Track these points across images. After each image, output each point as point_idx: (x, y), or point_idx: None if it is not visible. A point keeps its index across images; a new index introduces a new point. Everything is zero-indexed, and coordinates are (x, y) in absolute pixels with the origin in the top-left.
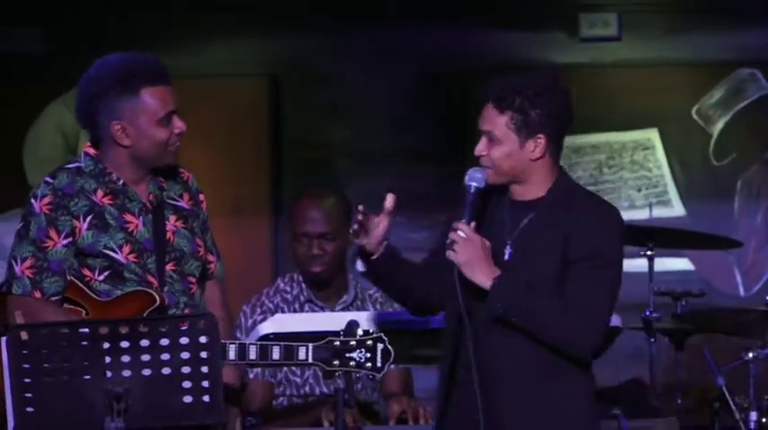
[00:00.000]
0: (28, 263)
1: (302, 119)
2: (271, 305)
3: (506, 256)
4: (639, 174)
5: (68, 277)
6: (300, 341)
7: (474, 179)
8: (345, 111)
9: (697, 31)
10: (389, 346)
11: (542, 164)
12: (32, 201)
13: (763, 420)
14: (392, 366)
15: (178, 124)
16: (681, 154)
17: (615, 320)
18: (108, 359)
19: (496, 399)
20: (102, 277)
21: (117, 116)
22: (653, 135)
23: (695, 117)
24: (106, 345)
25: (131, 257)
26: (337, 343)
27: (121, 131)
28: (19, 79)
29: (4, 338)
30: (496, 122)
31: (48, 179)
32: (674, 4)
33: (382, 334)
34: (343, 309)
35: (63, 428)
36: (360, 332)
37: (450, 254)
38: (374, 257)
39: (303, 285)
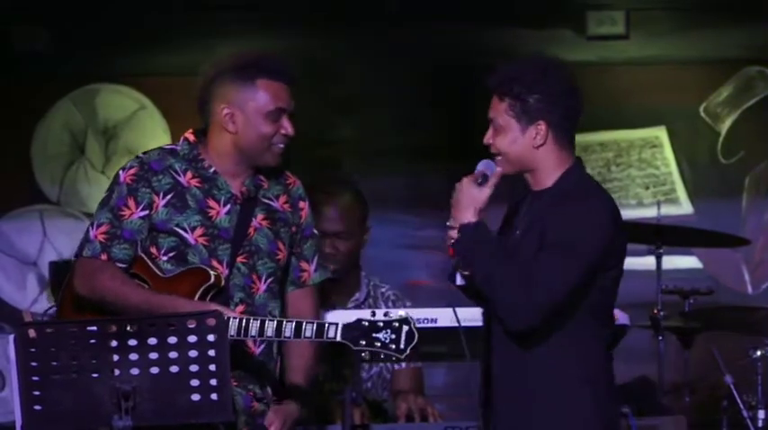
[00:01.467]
0: (103, 228)
1: (309, 117)
2: None
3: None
4: (647, 172)
5: (139, 253)
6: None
7: (479, 169)
8: (353, 108)
9: (705, 28)
10: (414, 329)
11: (547, 151)
12: (120, 171)
13: None
14: (402, 364)
15: (286, 125)
16: (689, 152)
17: (623, 318)
18: (116, 357)
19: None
20: (166, 257)
21: (228, 101)
22: (661, 133)
23: (703, 115)
24: (114, 343)
25: (201, 240)
26: (366, 322)
27: (229, 117)
28: (26, 79)
29: (12, 335)
30: (498, 110)
31: (140, 154)
32: (681, 1)
33: (410, 316)
34: (355, 307)
35: (71, 426)
36: (390, 313)
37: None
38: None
39: None
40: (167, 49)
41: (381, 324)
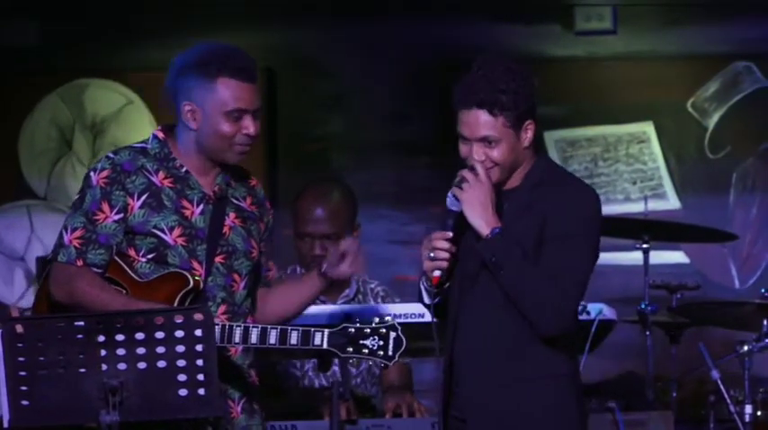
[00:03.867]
0: (77, 233)
1: (299, 112)
2: None
3: None
4: (635, 167)
5: (113, 256)
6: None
7: (453, 204)
8: (342, 103)
9: (692, 24)
10: (402, 335)
11: (529, 147)
12: (91, 173)
13: (759, 413)
14: None
15: (248, 125)
16: (676, 147)
17: (610, 313)
18: (103, 352)
19: (464, 373)
20: (145, 259)
21: (190, 97)
22: (648, 128)
23: (690, 110)
24: (101, 338)
25: (180, 240)
26: (352, 329)
27: (190, 113)
28: (14, 72)
29: None
30: (492, 126)
31: (110, 154)
32: None
33: (396, 322)
34: (344, 303)
35: (58, 421)
36: (376, 319)
37: (455, 190)
38: (446, 286)
39: None
40: (155, 44)
41: (368, 330)
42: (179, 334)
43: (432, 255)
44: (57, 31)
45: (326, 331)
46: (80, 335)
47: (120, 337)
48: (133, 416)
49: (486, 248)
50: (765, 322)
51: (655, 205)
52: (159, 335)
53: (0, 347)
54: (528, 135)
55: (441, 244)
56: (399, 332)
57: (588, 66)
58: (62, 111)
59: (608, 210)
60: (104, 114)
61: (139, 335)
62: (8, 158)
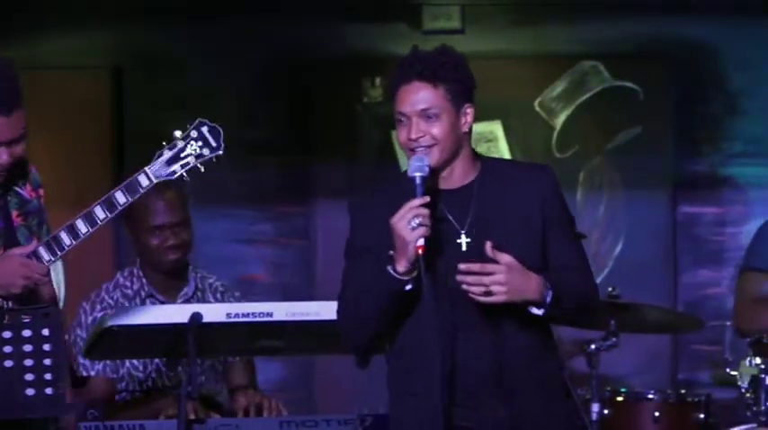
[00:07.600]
0: None
1: (146, 110)
2: (110, 301)
3: (464, 247)
4: None
5: None
6: (146, 334)
7: (417, 169)
8: (190, 102)
9: (539, 23)
10: (214, 124)
11: (467, 138)
12: None
13: (605, 411)
14: (236, 358)
15: None
16: (524, 146)
17: None
18: None
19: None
20: None
21: None
22: (496, 127)
23: (538, 109)
24: None
25: None
26: (168, 152)
27: None
28: None
29: None
30: (433, 97)
31: None
32: None
33: (197, 119)
34: (184, 302)
35: None
36: (177, 132)
37: (495, 298)
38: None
39: (144, 280)
40: (6, 42)
41: (181, 143)
42: (26, 333)
43: (418, 221)
44: None
45: (148, 169)
46: None
47: None
48: None
49: (549, 310)
50: (612, 321)
51: None
52: (6, 334)
53: None
54: (467, 119)
55: (423, 210)
56: (208, 122)
57: None
58: None
59: None
60: None
61: None
62: None
